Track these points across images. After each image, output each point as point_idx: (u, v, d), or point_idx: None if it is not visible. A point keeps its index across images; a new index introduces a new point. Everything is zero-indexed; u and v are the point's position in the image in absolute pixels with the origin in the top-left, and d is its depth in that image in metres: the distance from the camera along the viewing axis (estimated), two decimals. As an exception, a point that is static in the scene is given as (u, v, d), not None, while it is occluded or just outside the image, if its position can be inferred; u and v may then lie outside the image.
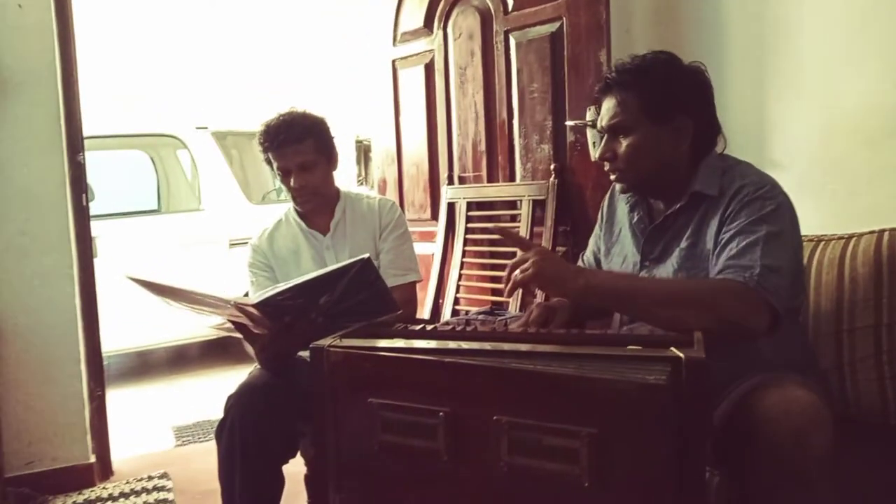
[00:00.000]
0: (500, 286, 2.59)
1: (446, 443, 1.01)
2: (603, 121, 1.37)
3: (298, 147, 1.77)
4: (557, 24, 2.40)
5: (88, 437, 2.45)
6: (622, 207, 1.50)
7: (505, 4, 2.56)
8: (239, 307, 1.35)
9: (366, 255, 1.30)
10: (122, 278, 1.43)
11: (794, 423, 1.03)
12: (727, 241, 1.23)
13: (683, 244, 1.32)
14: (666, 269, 1.34)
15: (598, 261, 1.58)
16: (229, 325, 1.46)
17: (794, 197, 1.30)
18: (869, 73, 1.82)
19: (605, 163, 1.38)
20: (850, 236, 1.56)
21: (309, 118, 1.83)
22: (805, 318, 1.53)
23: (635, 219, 1.44)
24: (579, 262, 1.65)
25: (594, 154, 1.40)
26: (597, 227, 1.59)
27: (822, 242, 1.60)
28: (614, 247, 1.50)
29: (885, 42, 1.78)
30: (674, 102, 1.31)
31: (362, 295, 1.34)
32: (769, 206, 1.23)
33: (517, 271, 1.20)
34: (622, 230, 1.49)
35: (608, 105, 1.35)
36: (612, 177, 1.39)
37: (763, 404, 1.07)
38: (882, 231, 1.51)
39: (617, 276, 1.29)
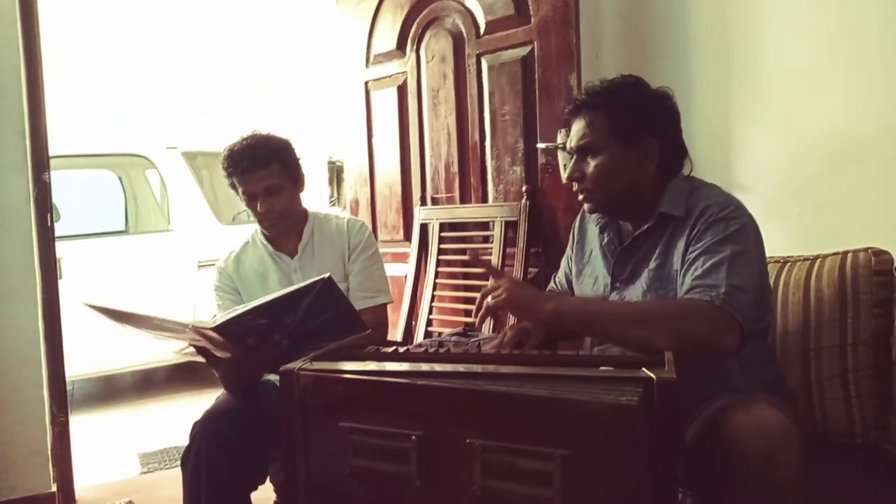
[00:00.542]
0: (473, 307, 2.59)
1: (418, 467, 1.00)
2: (572, 142, 1.39)
3: (263, 172, 1.74)
4: (528, 48, 2.43)
5: (50, 464, 2.38)
6: (592, 229, 1.52)
7: (477, 28, 2.59)
8: (197, 331, 1.32)
9: (326, 275, 1.27)
10: (86, 293, 1.40)
11: (763, 442, 1.04)
12: (693, 261, 1.25)
13: (652, 265, 1.34)
14: (636, 291, 1.36)
15: (569, 282, 1.59)
16: (192, 349, 1.43)
17: (760, 219, 1.33)
18: (832, 99, 1.87)
19: (574, 183, 1.40)
20: (816, 257, 1.59)
21: (273, 141, 1.79)
22: (773, 337, 1.54)
23: (605, 240, 1.46)
24: (551, 284, 1.65)
25: (565, 176, 1.43)
26: (568, 249, 1.61)
27: (788, 263, 1.62)
28: (585, 268, 1.52)
29: (846, 70, 1.83)
30: (641, 125, 1.33)
31: (326, 315, 1.32)
32: (733, 226, 1.25)
33: (489, 297, 1.21)
34: (593, 252, 1.51)
35: (577, 126, 1.38)
36: (581, 197, 1.41)
37: (733, 424, 1.08)
38: (846, 252, 1.53)
39: (586, 301, 1.31)
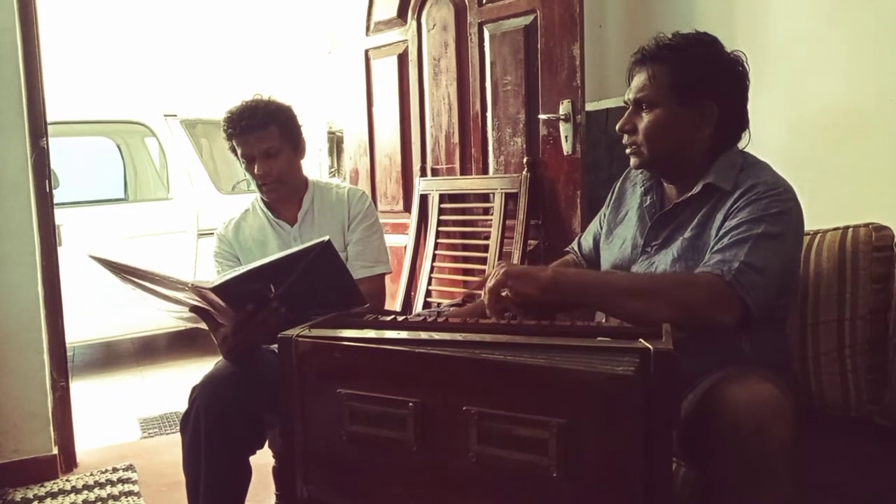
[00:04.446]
0: (472, 279, 2.60)
1: (415, 433, 1.00)
2: (630, 93, 1.36)
3: (262, 133, 1.74)
4: (531, 17, 2.40)
5: (51, 428, 2.41)
6: (632, 191, 1.49)
7: (479, -4, 2.56)
8: (197, 291, 1.32)
9: (326, 238, 1.27)
10: (86, 261, 1.41)
11: (755, 414, 1.04)
12: (722, 235, 1.23)
13: (687, 234, 1.31)
14: (666, 258, 1.33)
15: (596, 243, 1.56)
16: (193, 315, 1.43)
17: (762, 193, 1.31)
18: (833, 73, 1.86)
19: (624, 135, 1.37)
20: (816, 232, 1.58)
21: (273, 104, 1.79)
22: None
23: (647, 203, 1.43)
24: (573, 245, 1.65)
25: (616, 126, 1.39)
26: (604, 208, 1.57)
27: (788, 238, 1.62)
28: (617, 228, 1.49)
29: (848, 44, 1.82)
30: (704, 86, 1.29)
31: (325, 282, 1.32)
32: (774, 208, 1.22)
33: (489, 282, 1.21)
34: (629, 213, 1.48)
35: (639, 78, 1.34)
36: (627, 151, 1.38)
37: (726, 396, 1.09)
38: (846, 228, 1.53)
39: (585, 271, 1.28)
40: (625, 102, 1.39)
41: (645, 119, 1.33)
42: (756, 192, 1.24)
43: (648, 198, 1.43)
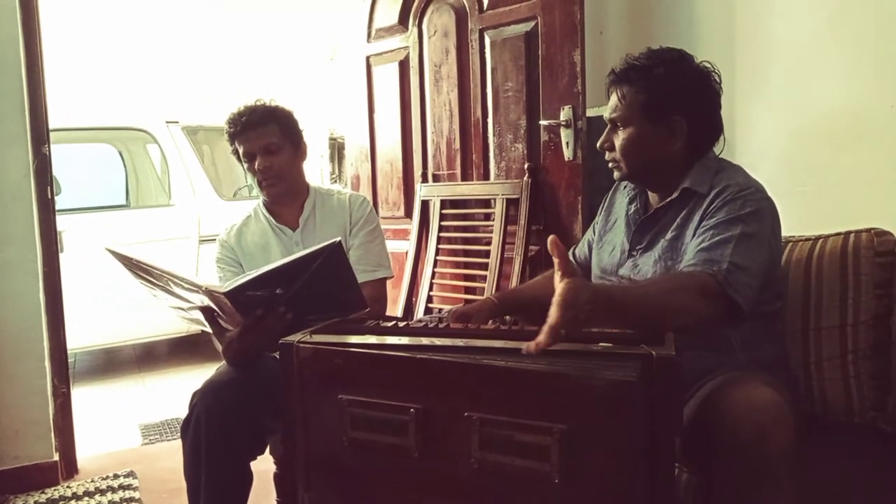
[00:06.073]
0: (473, 284, 2.60)
1: (417, 439, 1.00)
2: (606, 113, 1.43)
3: (262, 130, 1.78)
4: (532, 24, 2.40)
5: (52, 434, 2.41)
6: (622, 200, 1.55)
7: (480, 3, 2.56)
8: (209, 294, 1.33)
9: (337, 239, 1.29)
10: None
11: (756, 419, 1.04)
12: (701, 234, 1.26)
13: (668, 236, 1.36)
14: (649, 259, 1.39)
15: (590, 249, 1.62)
16: (200, 317, 1.44)
17: (762, 198, 1.32)
18: (835, 77, 1.86)
19: (606, 152, 1.45)
20: (818, 238, 1.58)
21: (274, 106, 1.84)
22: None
23: (631, 210, 1.49)
24: (568, 254, 1.67)
25: (598, 144, 1.47)
26: (597, 216, 1.64)
27: (790, 243, 1.61)
28: (607, 235, 1.56)
29: (850, 48, 1.82)
30: (671, 103, 1.35)
31: (331, 285, 1.32)
32: (749, 207, 1.26)
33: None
34: (617, 221, 1.54)
35: (612, 99, 1.41)
36: (610, 165, 1.45)
37: (727, 401, 1.09)
38: (848, 233, 1.53)
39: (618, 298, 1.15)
40: (605, 119, 1.45)
41: (620, 137, 1.40)
42: (730, 192, 1.29)
43: (633, 206, 1.50)
